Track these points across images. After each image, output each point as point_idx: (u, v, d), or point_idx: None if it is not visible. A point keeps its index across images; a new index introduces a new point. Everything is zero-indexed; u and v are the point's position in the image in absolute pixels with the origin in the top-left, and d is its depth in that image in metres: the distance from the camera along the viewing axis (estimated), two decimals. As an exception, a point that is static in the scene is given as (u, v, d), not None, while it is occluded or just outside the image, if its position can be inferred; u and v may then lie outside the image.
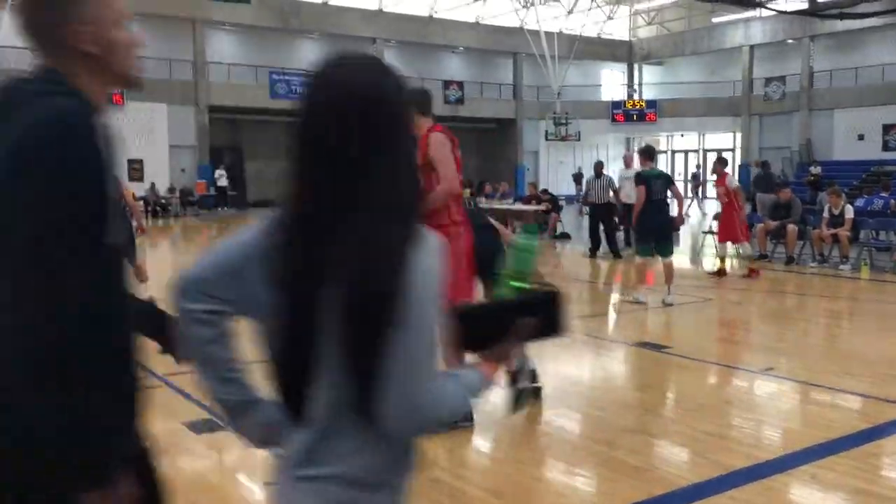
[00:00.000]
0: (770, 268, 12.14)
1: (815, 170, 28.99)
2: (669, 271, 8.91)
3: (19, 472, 1.43)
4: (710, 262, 12.08)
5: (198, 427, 4.55)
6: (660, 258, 8.93)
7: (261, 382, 1.43)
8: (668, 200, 9.13)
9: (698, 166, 38.63)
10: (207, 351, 1.39)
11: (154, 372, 5.46)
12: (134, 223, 8.05)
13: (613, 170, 15.32)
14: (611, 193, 14.04)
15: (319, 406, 1.31)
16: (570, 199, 31.63)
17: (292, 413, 1.34)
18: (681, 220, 9.85)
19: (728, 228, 11.07)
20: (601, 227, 14.07)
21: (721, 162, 11.57)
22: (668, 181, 9.12)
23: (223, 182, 30.54)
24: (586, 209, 15.10)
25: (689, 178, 37.61)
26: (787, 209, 12.70)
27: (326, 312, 1.27)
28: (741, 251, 11.39)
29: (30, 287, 1.37)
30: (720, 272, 11.15)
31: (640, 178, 8.96)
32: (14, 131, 1.42)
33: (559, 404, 5.12)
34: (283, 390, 1.35)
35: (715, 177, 11.74)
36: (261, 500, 3.60)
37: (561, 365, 6.37)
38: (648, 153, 9.34)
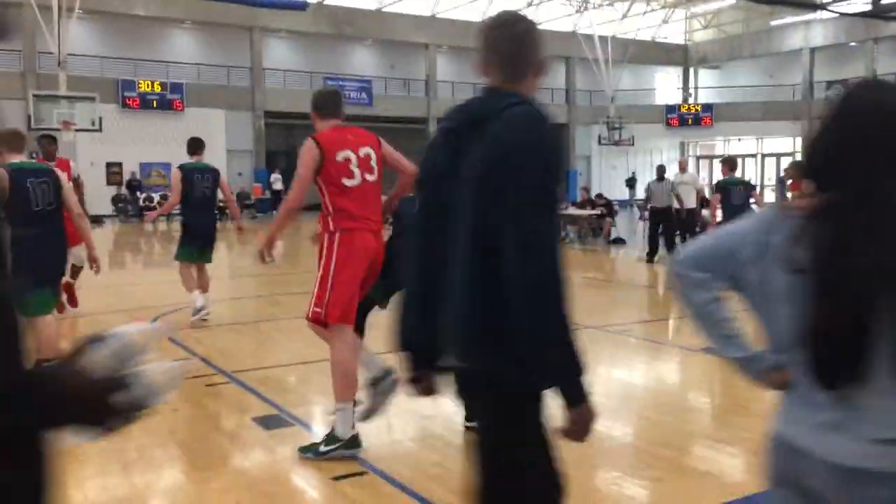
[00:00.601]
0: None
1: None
2: None
3: (526, 375, 2.04)
4: None
5: (267, 422, 4.61)
6: None
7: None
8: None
9: (785, 171, 37.84)
10: (706, 311, 1.73)
11: (223, 369, 5.58)
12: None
13: (668, 174, 15.09)
14: (673, 198, 13.78)
15: (882, 374, 1.48)
16: (622, 204, 31.27)
17: (828, 377, 1.53)
18: None
19: None
20: (660, 232, 13.90)
21: (795, 170, 11.45)
22: (748, 189, 9.40)
23: (279, 185, 30.98)
24: (646, 213, 14.86)
25: (776, 182, 36.97)
26: None
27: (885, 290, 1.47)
28: None
29: (534, 237, 1.96)
30: None
31: (716, 187, 9.36)
32: (500, 129, 2.03)
33: (625, 409, 5.07)
34: (822, 356, 1.53)
35: (790, 181, 11.61)
36: (331, 493, 3.64)
37: (624, 370, 6.31)
38: (728, 163, 9.76)
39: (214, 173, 8.19)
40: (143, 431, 4.49)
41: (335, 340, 4.14)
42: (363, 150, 4.21)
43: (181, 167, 8.02)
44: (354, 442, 4.07)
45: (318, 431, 4.65)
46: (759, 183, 38.44)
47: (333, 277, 4.07)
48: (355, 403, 4.17)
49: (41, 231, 4.93)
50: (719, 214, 9.73)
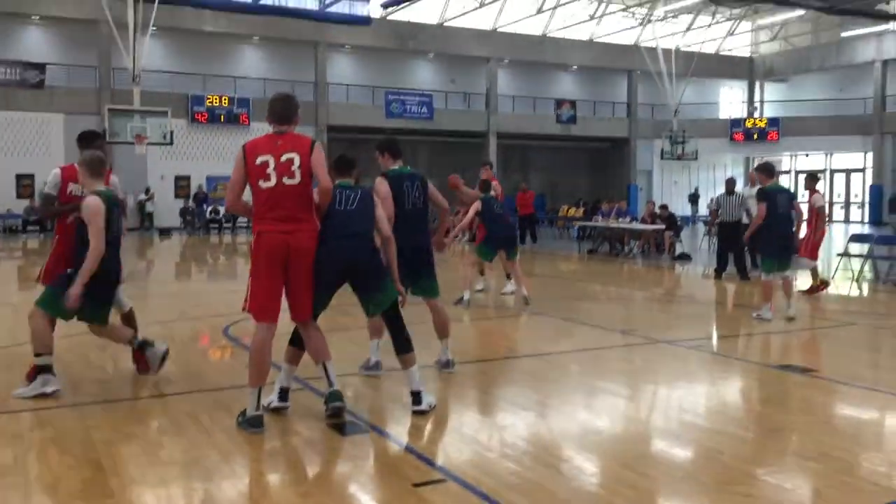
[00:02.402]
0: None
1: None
2: (789, 287, 8.85)
3: None
4: (803, 282, 11.52)
5: (343, 428, 4.64)
6: (781, 273, 8.83)
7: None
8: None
9: (805, 180, 36.91)
10: None
11: (297, 376, 5.64)
12: None
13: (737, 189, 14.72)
14: (743, 212, 13.40)
15: None
16: (685, 220, 30.78)
17: None
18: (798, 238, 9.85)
19: (806, 244, 11.04)
20: (729, 247, 13.52)
21: (813, 179, 11.80)
22: (790, 197, 9.10)
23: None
24: (714, 228, 14.50)
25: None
26: None
27: None
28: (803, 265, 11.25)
29: None
30: (819, 287, 11.09)
31: (762, 195, 8.96)
32: None
33: (707, 424, 4.95)
34: None
35: (807, 193, 11.63)
36: (413, 499, 3.63)
37: (703, 387, 6.17)
38: (768, 170, 9.43)
39: (423, 181, 6.16)
40: (225, 435, 4.56)
41: (254, 331, 4.77)
42: (286, 156, 4.61)
43: (386, 175, 6.02)
44: (257, 421, 4.59)
45: (393, 435, 4.66)
46: (828, 200, 37.42)
47: (249, 274, 4.71)
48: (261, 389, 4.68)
49: (115, 252, 5.53)
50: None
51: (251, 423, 4.58)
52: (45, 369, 5.33)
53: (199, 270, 17.21)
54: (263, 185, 4.57)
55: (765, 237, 8.92)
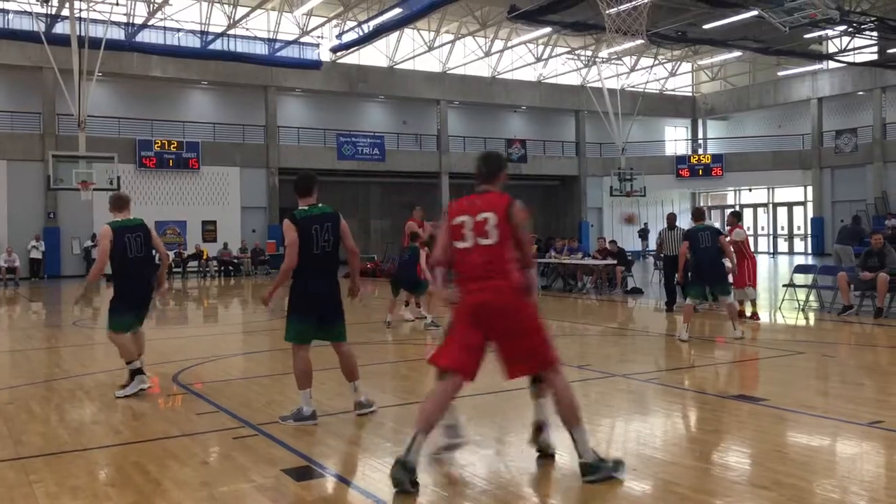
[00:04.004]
0: (856, 321, 11.72)
1: (892, 222, 28.08)
2: (732, 311, 10.10)
3: None
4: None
5: (298, 474, 4.54)
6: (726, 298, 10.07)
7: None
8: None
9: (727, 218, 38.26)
10: None
11: (248, 421, 5.52)
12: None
13: (680, 224, 15.13)
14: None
15: None
16: (635, 255, 31.23)
17: None
18: (731, 270, 10.94)
19: (742, 274, 11.98)
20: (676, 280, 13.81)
21: (735, 216, 13.10)
22: (715, 233, 10.29)
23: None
24: (659, 262, 14.89)
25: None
26: (880, 258, 12.27)
27: None
28: (748, 294, 12.21)
29: None
30: (752, 315, 12.16)
31: (685, 235, 10.79)
32: None
33: (663, 457, 4.97)
34: None
35: (728, 228, 12.75)
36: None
37: (658, 419, 6.22)
38: (694, 214, 11.09)
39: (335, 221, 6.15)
40: (174, 484, 4.43)
41: None
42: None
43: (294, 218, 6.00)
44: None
45: (351, 479, 4.57)
46: (771, 232, 38.42)
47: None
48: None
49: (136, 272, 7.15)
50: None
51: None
52: (138, 372, 6.87)
53: (148, 317, 16.82)
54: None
55: (692, 269, 10.23)
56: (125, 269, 7.09)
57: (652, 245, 33.07)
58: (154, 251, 7.34)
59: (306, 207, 5.78)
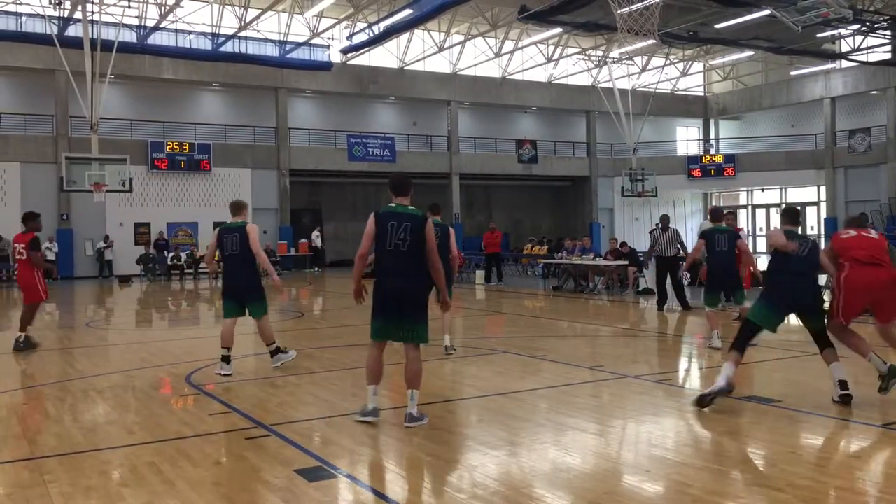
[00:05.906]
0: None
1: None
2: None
3: None
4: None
5: (311, 474, 4.55)
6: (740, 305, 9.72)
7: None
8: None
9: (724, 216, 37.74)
10: None
11: (262, 422, 5.53)
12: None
13: (692, 225, 15.18)
14: (678, 246, 13.95)
15: None
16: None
17: None
18: (745, 273, 10.42)
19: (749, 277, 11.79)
20: (668, 281, 14.08)
21: (732, 215, 12.69)
22: (733, 236, 9.80)
23: (318, 243, 31.53)
24: (652, 262, 14.95)
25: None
26: None
27: None
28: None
29: None
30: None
31: (701, 234, 9.97)
32: None
33: (675, 458, 4.95)
34: None
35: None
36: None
37: (671, 420, 6.19)
38: (713, 213, 10.52)
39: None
40: (188, 484, 4.45)
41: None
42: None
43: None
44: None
45: (363, 480, 4.58)
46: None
47: None
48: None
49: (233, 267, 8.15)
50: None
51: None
52: (279, 350, 8.16)
53: (161, 318, 16.91)
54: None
55: (707, 273, 9.78)
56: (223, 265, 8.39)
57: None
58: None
59: (394, 205, 5.88)
